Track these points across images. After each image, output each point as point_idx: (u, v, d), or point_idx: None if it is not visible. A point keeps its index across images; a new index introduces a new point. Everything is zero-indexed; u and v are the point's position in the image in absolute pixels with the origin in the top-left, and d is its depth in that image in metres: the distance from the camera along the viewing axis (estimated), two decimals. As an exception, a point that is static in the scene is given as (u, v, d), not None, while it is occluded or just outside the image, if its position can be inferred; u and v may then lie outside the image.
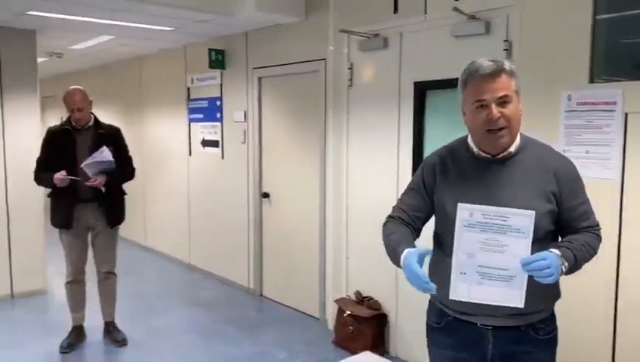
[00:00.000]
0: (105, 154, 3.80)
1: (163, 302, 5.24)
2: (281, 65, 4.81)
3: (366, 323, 3.91)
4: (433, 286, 1.63)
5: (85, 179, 3.78)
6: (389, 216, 1.92)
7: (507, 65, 1.72)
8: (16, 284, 5.21)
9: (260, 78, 5.09)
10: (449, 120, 3.36)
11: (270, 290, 5.25)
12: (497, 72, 1.68)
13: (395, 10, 3.73)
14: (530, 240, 1.63)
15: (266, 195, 5.15)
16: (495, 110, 1.67)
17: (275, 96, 5.02)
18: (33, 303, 5.09)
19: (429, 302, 1.95)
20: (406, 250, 1.69)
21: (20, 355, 3.98)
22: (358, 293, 4.12)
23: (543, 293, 1.71)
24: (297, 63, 4.64)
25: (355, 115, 4.13)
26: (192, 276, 6.09)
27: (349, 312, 4.03)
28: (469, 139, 1.81)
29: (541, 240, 1.68)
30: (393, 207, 1.95)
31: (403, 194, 1.96)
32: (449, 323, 1.85)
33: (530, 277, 1.63)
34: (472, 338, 1.80)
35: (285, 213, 5.00)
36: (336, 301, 4.22)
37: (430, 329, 1.95)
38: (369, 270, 4.04)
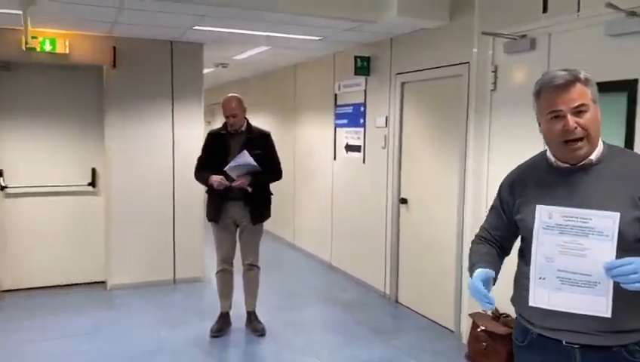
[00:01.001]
0: (245, 158, 4.10)
1: (302, 298, 5.49)
2: (424, 70, 4.76)
3: (500, 340, 3.69)
4: (492, 298, 1.65)
5: (232, 181, 4.13)
6: (475, 235, 1.97)
7: (582, 74, 1.65)
8: (178, 271, 5.86)
9: (402, 84, 5.09)
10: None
11: (405, 297, 5.21)
12: (571, 81, 1.63)
13: (545, 9, 3.48)
14: (615, 244, 1.50)
15: (403, 201, 5.12)
16: (571, 120, 1.61)
17: (417, 101, 4.98)
18: (191, 289, 5.68)
19: (515, 318, 1.88)
20: (477, 271, 1.74)
21: (176, 334, 4.46)
22: (494, 309, 3.92)
23: (636, 308, 1.57)
24: (440, 68, 4.56)
25: (498, 121, 3.93)
26: (332, 276, 6.28)
27: (483, 328, 3.85)
28: (548, 153, 1.75)
29: (629, 250, 1.53)
30: (480, 226, 1.98)
31: (487, 213, 1.98)
32: (533, 341, 1.76)
33: (618, 286, 1.49)
34: (557, 357, 1.69)
35: (422, 220, 4.93)
36: (471, 315, 4.05)
37: (516, 349, 1.87)
38: (507, 286, 3.81)
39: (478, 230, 2.00)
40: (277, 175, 4.44)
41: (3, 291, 5.30)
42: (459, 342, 4.32)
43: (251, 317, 4.56)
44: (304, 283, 6.05)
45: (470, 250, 1.93)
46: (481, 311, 4.03)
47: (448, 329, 4.57)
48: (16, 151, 5.35)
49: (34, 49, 4.38)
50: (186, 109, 5.76)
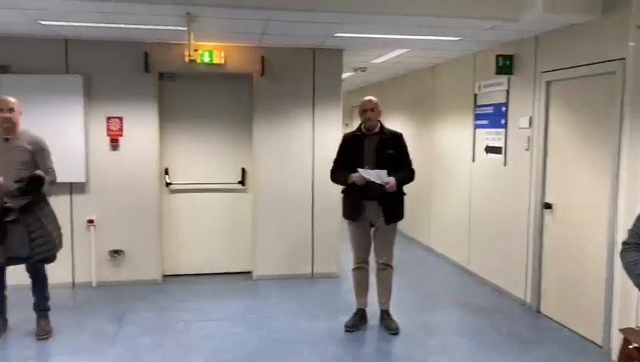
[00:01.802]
0: (382, 176, 4.21)
1: (436, 300, 5.46)
2: (572, 67, 4.48)
3: (657, 360, 3.37)
4: None
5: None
6: (625, 243, 1.83)
7: None
8: (316, 266, 6.15)
9: (547, 83, 4.83)
10: None
11: (548, 307, 4.94)
12: None
13: None
14: None
15: (547, 206, 4.86)
16: None
17: (564, 100, 4.70)
18: (327, 284, 5.93)
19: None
20: None
21: (312, 326, 4.70)
22: (651, 325, 3.58)
23: None
24: (590, 65, 4.26)
25: (658, 121, 3.59)
26: (468, 280, 6.14)
27: (635, 345, 3.53)
28: None
29: None
30: (628, 231, 1.85)
31: (637, 219, 1.85)
32: None
33: None
34: None
35: (569, 227, 4.64)
36: (622, 330, 3.71)
37: None
38: (666, 301, 3.47)
39: (627, 236, 1.89)
40: (411, 176, 4.50)
41: (165, 276, 5.99)
42: (607, 359, 4.01)
43: (384, 315, 4.65)
44: (438, 286, 6.00)
45: (627, 258, 1.83)
46: (634, 327, 3.70)
47: (596, 344, 4.26)
48: (178, 152, 6.02)
49: (195, 60, 4.91)
50: (325, 112, 6.03)
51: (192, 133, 6.05)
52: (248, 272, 6.16)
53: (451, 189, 6.86)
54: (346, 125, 9.17)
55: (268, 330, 4.58)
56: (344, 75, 6.26)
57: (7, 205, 3.98)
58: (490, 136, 5.83)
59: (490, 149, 5.84)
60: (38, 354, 4.09)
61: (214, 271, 6.16)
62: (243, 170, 6.14)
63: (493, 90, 5.73)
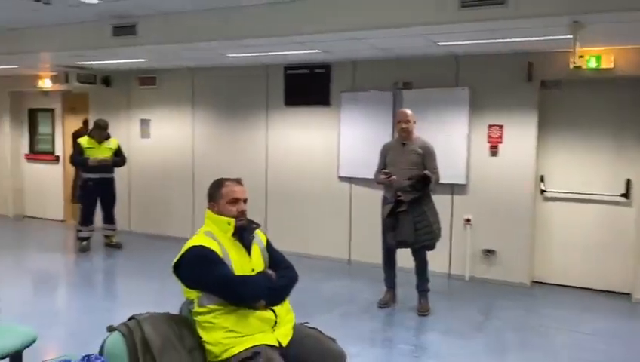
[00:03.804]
0: None
1: None
2: None
3: None
4: None
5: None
6: None
7: None
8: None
9: None
10: None
11: None
12: None
13: None
14: None
15: None
16: None
17: None
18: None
19: None
20: None
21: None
22: None
23: None
24: None
25: None
26: None
27: None
28: None
29: None
30: None
31: None
32: None
33: None
34: None
35: None
36: None
37: None
38: None
39: None
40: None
41: (534, 281, 6.06)
42: None
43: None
44: None
45: None
46: None
47: None
48: (555, 159, 6.00)
49: (580, 67, 4.83)
50: None
51: (570, 140, 5.92)
52: (626, 294, 5.65)
53: None
54: None
55: (643, 356, 4.19)
56: None
57: (399, 198, 4.85)
58: None
59: None
60: (418, 326, 4.82)
61: (586, 286, 5.87)
62: (628, 182, 5.66)
63: None
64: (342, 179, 6.89)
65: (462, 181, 6.17)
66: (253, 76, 7.34)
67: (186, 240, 2.62)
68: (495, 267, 6.13)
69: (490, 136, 6.08)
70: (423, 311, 5.02)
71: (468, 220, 6.20)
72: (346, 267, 6.78)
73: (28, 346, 3.08)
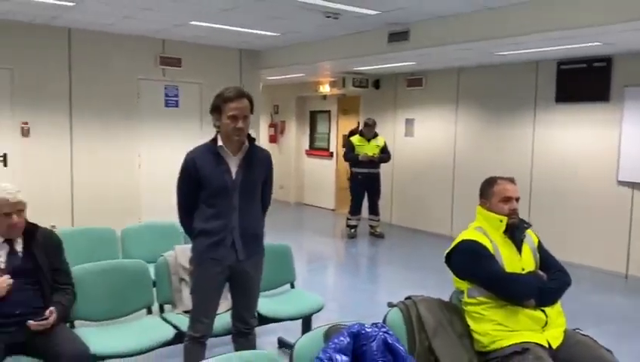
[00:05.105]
0: None
1: None
2: None
3: None
4: None
5: None
6: None
7: None
8: None
9: None
10: None
11: None
12: None
13: None
14: None
15: None
16: None
17: None
18: None
19: None
20: None
21: None
22: None
23: None
24: None
25: None
26: None
27: None
28: None
29: None
30: None
31: None
32: None
33: None
34: None
35: None
36: None
37: None
38: None
39: None
40: None
41: None
42: None
43: None
44: None
45: None
46: None
47: None
48: None
49: None
50: None
51: None
52: None
53: None
54: None
55: None
56: None
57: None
58: None
59: None
60: None
61: None
62: None
63: None
64: (622, 183, 6.20)
65: None
66: (521, 73, 7.11)
67: (444, 237, 2.77)
68: None
69: None
70: None
71: None
72: (622, 282, 6.10)
73: (317, 311, 3.64)
